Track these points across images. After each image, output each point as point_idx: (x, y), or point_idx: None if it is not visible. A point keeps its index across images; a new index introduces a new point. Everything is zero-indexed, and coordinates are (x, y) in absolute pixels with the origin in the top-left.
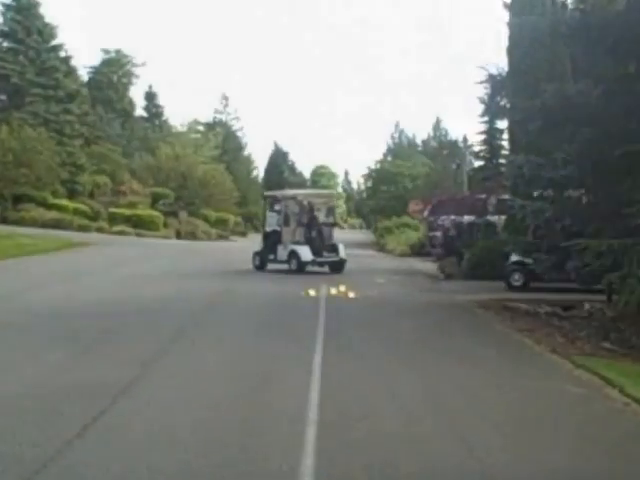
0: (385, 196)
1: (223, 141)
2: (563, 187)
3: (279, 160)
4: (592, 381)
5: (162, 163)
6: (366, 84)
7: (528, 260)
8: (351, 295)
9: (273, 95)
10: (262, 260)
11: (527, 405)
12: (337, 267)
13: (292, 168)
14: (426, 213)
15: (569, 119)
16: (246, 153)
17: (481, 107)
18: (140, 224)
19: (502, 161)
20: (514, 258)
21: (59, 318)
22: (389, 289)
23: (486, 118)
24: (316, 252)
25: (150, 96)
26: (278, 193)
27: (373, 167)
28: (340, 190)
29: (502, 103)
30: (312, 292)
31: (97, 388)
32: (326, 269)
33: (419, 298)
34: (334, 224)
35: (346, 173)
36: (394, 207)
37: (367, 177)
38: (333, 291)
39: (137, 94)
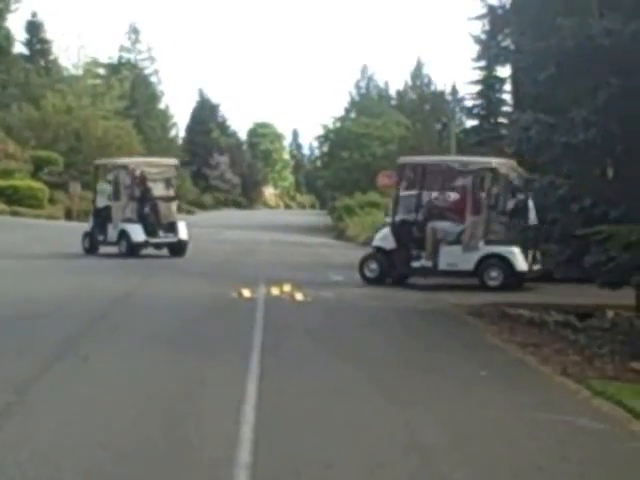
0: (346, 165)
1: (131, 89)
2: (582, 156)
3: (206, 115)
4: (615, 413)
5: (48, 117)
6: (324, 14)
7: None
8: (299, 297)
9: (199, 27)
10: (92, 241)
11: (528, 446)
12: (177, 250)
13: (223, 126)
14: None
15: (592, 66)
16: (162, 106)
17: (476, 48)
18: (17, 199)
19: (503, 120)
20: None
21: None
22: (349, 290)
23: (482, 63)
24: (150, 232)
25: (33, 27)
26: (109, 161)
27: (331, 126)
28: (287, 156)
29: (504, 44)
30: (247, 293)
31: None
32: (165, 252)
33: (389, 301)
34: (173, 198)
35: (295, 134)
36: (358, 180)
37: (322, 140)
38: (275, 291)
39: (16, 24)
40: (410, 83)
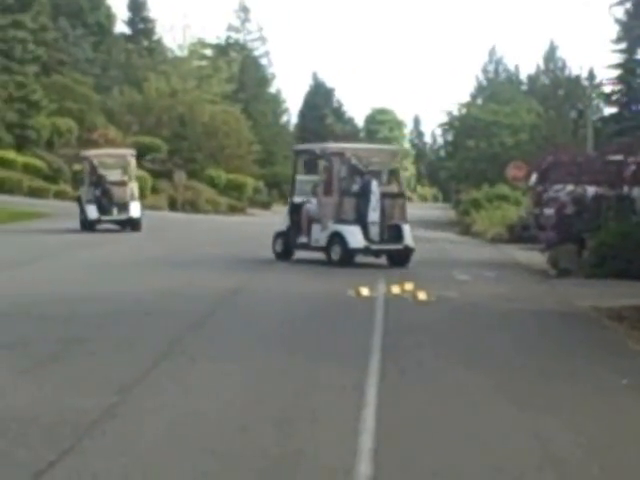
0: (472, 155)
1: (240, 71)
2: None
3: (320, 100)
4: None
5: (152, 101)
6: None
7: None
8: (421, 297)
9: (312, 5)
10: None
11: None
12: (129, 226)
13: (339, 112)
14: (533, 181)
15: None
16: (273, 90)
17: (616, 29)
18: None
19: None
20: None
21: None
22: (476, 289)
23: (623, 45)
24: (104, 211)
25: (136, 5)
26: (83, 153)
27: (455, 113)
28: (407, 145)
29: None
30: (365, 291)
31: (55, 426)
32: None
33: (520, 303)
34: (125, 182)
35: (416, 121)
36: (485, 172)
37: (446, 128)
38: (395, 290)
39: (118, 2)
40: (542, 67)
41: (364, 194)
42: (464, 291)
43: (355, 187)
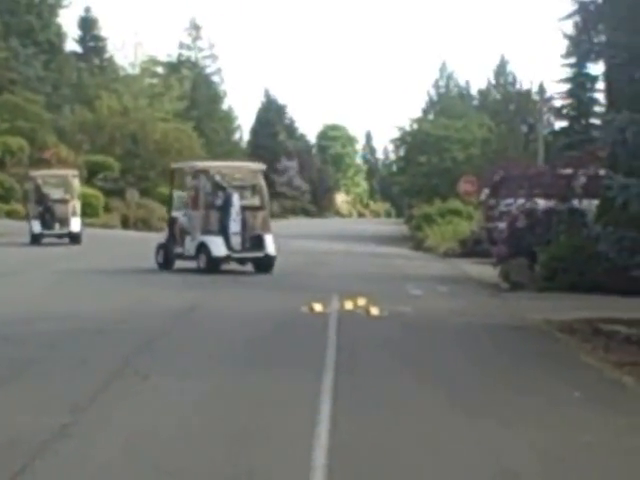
0: (424, 170)
1: (191, 89)
2: None
3: (272, 117)
4: None
5: (103, 120)
6: (400, 8)
7: None
8: (374, 312)
9: (264, 23)
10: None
11: (626, 474)
12: (71, 239)
13: (291, 129)
14: (484, 195)
15: None
16: (225, 107)
17: (565, 44)
18: None
19: (595, 121)
20: None
21: None
22: (429, 304)
23: (572, 60)
24: (46, 226)
25: (87, 23)
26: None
27: (407, 129)
28: (359, 161)
29: (597, 39)
30: (318, 307)
31: (6, 447)
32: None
33: (472, 317)
34: (68, 200)
35: (368, 137)
36: (437, 186)
37: (398, 143)
38: (349, 305)
39: (69, 21)
40: (493, 82)
41: (226, 207)
42: (417, 306)
43: (218, 201)
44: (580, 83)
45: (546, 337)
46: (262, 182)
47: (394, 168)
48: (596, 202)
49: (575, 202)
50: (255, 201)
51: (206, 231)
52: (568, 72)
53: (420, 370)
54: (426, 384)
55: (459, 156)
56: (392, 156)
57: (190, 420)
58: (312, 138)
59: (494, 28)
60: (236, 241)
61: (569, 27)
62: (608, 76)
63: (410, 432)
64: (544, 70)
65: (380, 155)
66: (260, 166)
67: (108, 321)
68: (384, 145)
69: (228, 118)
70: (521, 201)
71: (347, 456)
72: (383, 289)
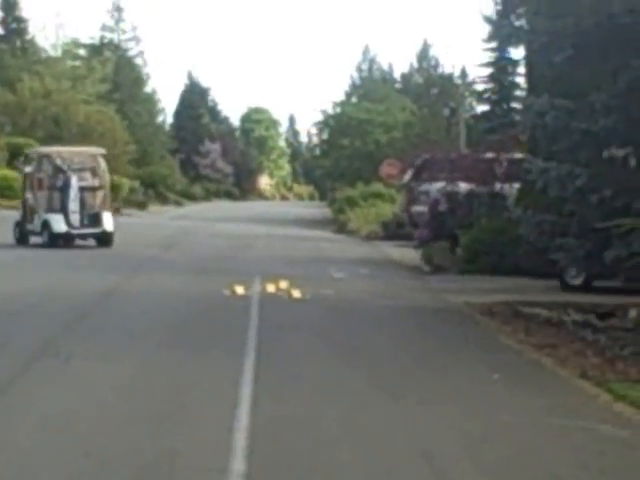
0: (347, 153)
1: (114, 71)
2: (602, 143)
3: (195, 100)
4: (638, 419)
5: (25, 102)
6: None
7: None
8: (296, 295)
9: (187, 5)
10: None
11: (545, 453)
12: None
13: (214, 112)
14: (406, 178)
15: (613, 47)
16: (148, 89)
17: (487, 28)
18: None
19: (516, 106)
20: None
21: None
22: (351, 287)
23: (494, 44)
24: None
25: (8, 5)
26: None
27: (330, 112)
28: (283, 144)
29: (517, 23)
30: (240, 290)
31: None
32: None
33: (394, 300)
34: None
35: (292, 120)
36: (360, 170)
37: (321, 126)
38: (270, 288)
39: None
40: (416, 65)
41: (65, 188)
42: (339, 288)
43: (59, 183)
44: (501, 67)
45: (467, 320)
46: (102, 165)
47: (317, 151)
48: (517, 186)
49: (496, 186)
50: (94, 182)
51: (49, 209)
52: (490, 56)
53: (342, 352)
54: (348, 366)
55: (382, 139)
56: (315, 139)
57: (110, 402)
58: (235, 121)
59: (417, 12)
60: (75, 218)
61: (490, 11)
62: (529, 60)
63: (331, 413)
64: (466, 54)
65: (304, 138)
66: (99, 150)
67: (28, 303)
68: (307, 128)
69: (151, 101)
70: (442, 184)
71: (267, 438)
72: (305, 272)
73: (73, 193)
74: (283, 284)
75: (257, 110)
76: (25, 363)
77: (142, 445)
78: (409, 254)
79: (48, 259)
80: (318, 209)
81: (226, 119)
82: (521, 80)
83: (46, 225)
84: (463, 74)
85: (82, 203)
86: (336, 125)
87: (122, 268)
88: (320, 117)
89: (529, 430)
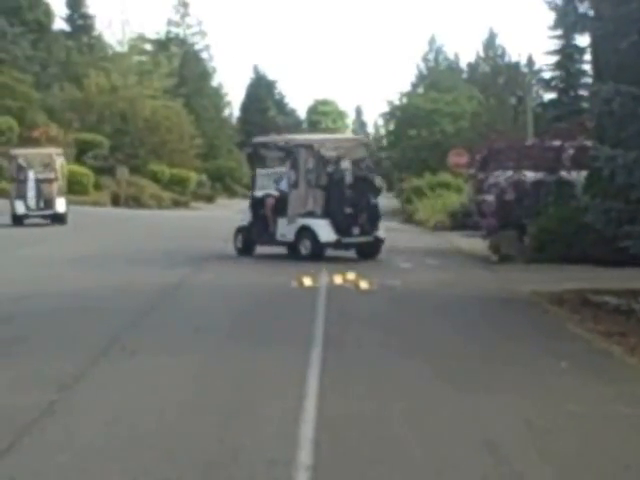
0: (414, 144)
1: (180, 66)
2: None
3: (262, 93)
4: None
5: (92, 98)
6: None
7: None
8: (363, 286)
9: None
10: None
11: (614, 443)
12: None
13: (281, 104)
14: (474, 168)
15: None
16: (214, 83)
17: (552, 16)
18: None
19: (583, 93)
20: None
21: None
22: (419, 277)
23: (559, 32)
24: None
25: (75, 2)
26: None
27: (397, 103)
28: (350, 134)
29: (582, 10)
30: (308, 281)
31: None
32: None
33: (461, 290)
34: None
35: (358, 111)
36: (427, 160)
37: (388, 117)
38: (338, 280)
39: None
40: (482, 55)
41: (25, 180)
42: (406, 279)
43: (21, 176)
44: (568, 55)
45: (535, 308)
46: (58, 161)
47: (384, 142)
48: (584, 173)
49: (563, 174)
50: (50, 175)
51: (16, 197)
52: (556, 44)
53: (408, 343)
54: (413, 357)
55: (449, 129)
56: (382, 130)
57: (176, 397)
58: (302, 113)
59: (483, 0)
60: (31, 203)
61: None
62: (594, 47)
63: (397, 406)
64: (533, 42)
65: (371, 129)
66: (57, 150)
67: (93, 299)
68: (374, 119)
69: (217, 94)
70: (510, 173)
71: (334, 430)
72: (372, 263)
73: (31, 184)
74: (350, 275)
75: (324, 102)
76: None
77: (208, 439)
78: (477, 244)
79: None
80: (385, 199)
81: (293, 112)
82: (588, 67)
83: (11, 208)
84: (530, 62)
85: (38, 191)
86: (403, 116)
87: (186, 263)
88: (387, 108)
89: (596, 419)
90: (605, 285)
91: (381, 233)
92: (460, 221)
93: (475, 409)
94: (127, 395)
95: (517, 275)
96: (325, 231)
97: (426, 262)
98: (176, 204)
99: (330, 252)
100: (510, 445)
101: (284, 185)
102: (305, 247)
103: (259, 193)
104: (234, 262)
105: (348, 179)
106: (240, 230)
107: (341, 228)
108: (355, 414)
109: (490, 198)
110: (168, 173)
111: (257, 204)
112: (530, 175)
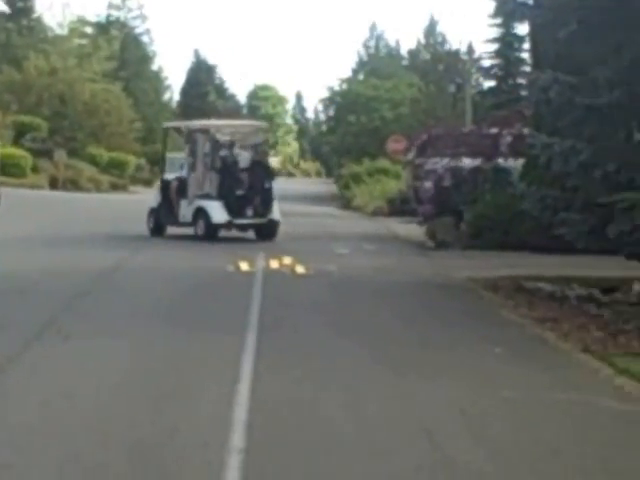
0: (354, 130)
1: (120, 49)
2: (606, 118)
3: (202, 77)
4: None
5: (31, 80)
6: None
7: None
8: (300, 270)
9: None
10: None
11: (546, 428)
12: None
13: (221, 89)
14: (411, 154)
15: (618, 22)
16: (154, 67)
17: (493, 4)
18: None
19: (522, 81)
20: None
21: None
22: (355, 262)
23: (499, 20)
24: None
25: None
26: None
27: (337, 89)
28: (290, 121)
29: None
30: (244, 266)
31: None
32: None
33: (397, 275)
34: None
35: (298, 97)
36: (366, 146)
37: (328, 103)
38: (274, 264)
39: None
40: (423, 42)
41: None
42: (343, 264)
43: None
44: (507, 43)
45: (470, 295)
46: None
47: (324, 128)
48: (521, 161)
49: (501, 161)
50: None
51: None
52: (496, 32)
53: (344, 328)
54: (350, 342)
55: (388, 115)
56: (322, 116)
57: (110, 380)
58: (242, 98)
59: None
60: None
61: None
62: (533, 36)
63: (332, 389)
64: (473, 30)
65: (310, 115)
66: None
67: (29, 281)
68: (314, 105)
69: (158, 78)
70: (447, 160)
71: (268, 413)
72: (310, 248)
73: None
74: (287, 260)
75: (264, 87)
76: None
77: (142, 421)
78: (414, 230)
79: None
80: (324, 185)
81: (233, 96)
82: (527, 56)
83: None
84: (469, 50)
85: None
86: (343, 102)
87: (124, 245)
88: (327, 94)
89: (530, 405)
90: (540, 272)
91: (276, 215)
92: (398, 207)
93: (411, 394)
94: (60, 378)
95: (453, 261)
96: (217, 212)
97: (363, 248)
98: (114, 187)
99: (231, 233)
100: (445, 430)
101: (184, 169)
102: (200, 228)
103: (169, 176)
104: (172, 245)
105: (243, 163)
106: (152, 212)
107: (233, 210)
108: (290, 398)
109: (427, 184)
110: (107, 156)
111: (166, 187)
112: (467, 162)
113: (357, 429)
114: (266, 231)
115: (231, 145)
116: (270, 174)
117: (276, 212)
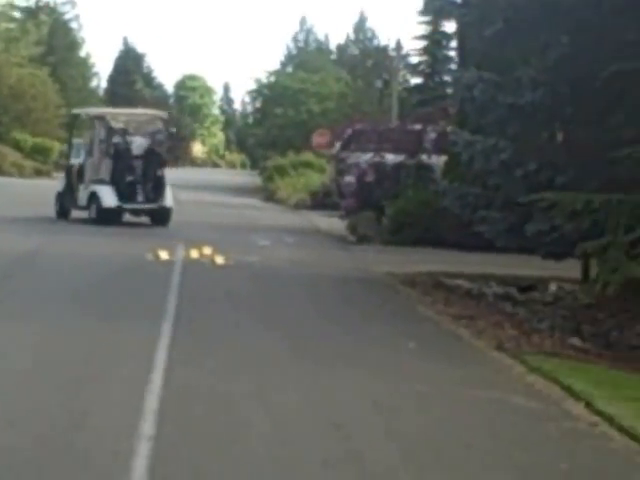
0: (280, 122)
1: (49, 35)
2: (528, 118)
3: (130, 65)
4: (550, 391)
5: None
6: None
7: None
8: (219, 261)
9: None
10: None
11: (456, 423)
12: None
13: (149, 78)
14: (336, 148)
15: (542, 23)
16: (83, 54)
17: (422, 2)
18: None
19: (448, 79)
20: None
21: None
22: (276, 254)
23: (428, 18)
24: None
25: None
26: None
27: (264, 81)
28: (217, 112)
29: None
30: (164, 255)
31: None
32: None
33: (317, 269)
34: None
35: (226, 88)
36: (291, 139)
37: (255, 95)
38: (194, 254)
39: None
40: (352, 37)
41: None
42: (264, 256)
43: None
44: (435, 41)
45: (388, 289)
46: None
47: (250, 120)
48: (444, 158)
49: (424, 157)
50: None
51: None
52: (424, 29)
53: (262, 320)
54: (267, 333)
55: (315, 109)
56: (249, 108)
57: (23, 364)
58: (170, 88)
59: None
60: None
61: None
62: (460, 34)
63: (245, 379)
64: (402, 27)
65: (238, 107)
66: None
67: None
68: (242, 97)
69: (85, 65)
70: (370, 155)
71: (179, 402)
72: (231, 239)
73: None
74: (207, 250)
75: (192, 77)
76: None
77: (50, 409)
78: (336, 224)
79: None
80: (249, 177)
81: (160, 86)
82: (454, 54)
83: None
84: (398, 46)
85: None
86: (270, 94)
87: (45, 231)
88: (254, 86)
89: (442, 400)
90: (459, 269)
91: (168, 202)
92: (321, 201)
93: (324, 386)
94: None
95: (373, 256)
96: (108, 197)
97: (284, 240)
98: (38, 173)
99: (127, 218)
100: (356, 424)
101: (83, 154)
102: (92, 211)
103: (74, 161)
104: (93, 231)
105: (137, 150)
106: (58, 195)
107: (124, 195)
108: (202, 387)
109: (350, 179)
110: (31, 142)
111: (69, 172)
112: (391, 157)
113: (268, 421)
114: (158, 217)
115: (124, 132)
116: (162, 162)
117: (168, 199)
